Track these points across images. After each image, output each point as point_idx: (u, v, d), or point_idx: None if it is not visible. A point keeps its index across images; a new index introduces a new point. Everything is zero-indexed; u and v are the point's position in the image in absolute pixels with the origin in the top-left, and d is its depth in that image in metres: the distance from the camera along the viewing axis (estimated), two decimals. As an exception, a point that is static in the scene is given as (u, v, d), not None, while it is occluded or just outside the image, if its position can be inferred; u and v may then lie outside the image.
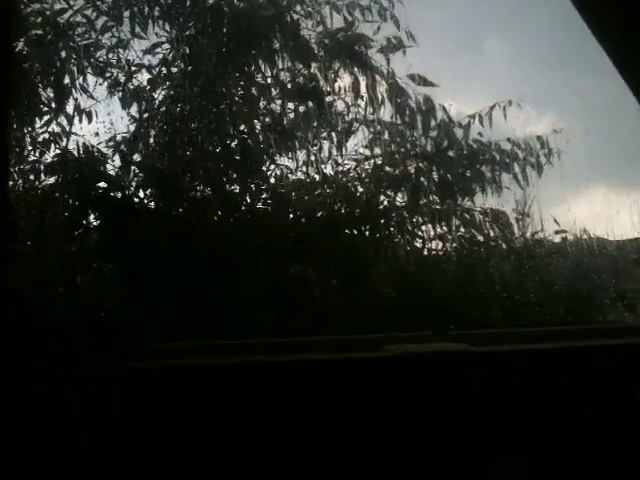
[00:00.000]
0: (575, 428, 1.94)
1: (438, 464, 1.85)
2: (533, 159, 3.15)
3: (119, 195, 2.62)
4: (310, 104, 2.98)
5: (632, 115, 2.71)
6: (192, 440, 1.68)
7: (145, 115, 2.84)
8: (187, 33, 2.90)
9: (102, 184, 2.61)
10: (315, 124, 2.97)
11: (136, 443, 1.64)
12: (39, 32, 2.77)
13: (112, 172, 2.71)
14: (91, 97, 2.84)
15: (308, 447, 1.75)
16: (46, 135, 2.78)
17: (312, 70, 3.00)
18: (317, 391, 1.80)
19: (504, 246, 3.16)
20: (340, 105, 3.11)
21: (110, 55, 2.87)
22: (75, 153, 2.75)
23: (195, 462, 1.69)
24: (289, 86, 2.97)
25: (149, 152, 2.79)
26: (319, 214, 2.91)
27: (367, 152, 3.15)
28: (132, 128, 2.81)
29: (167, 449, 1.67)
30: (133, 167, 2.74)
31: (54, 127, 2.80)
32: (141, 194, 2.70)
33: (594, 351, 2.08)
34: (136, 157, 2.78)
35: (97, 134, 2.75)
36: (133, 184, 2.71)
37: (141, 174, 2.72)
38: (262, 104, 3.01)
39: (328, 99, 3.04)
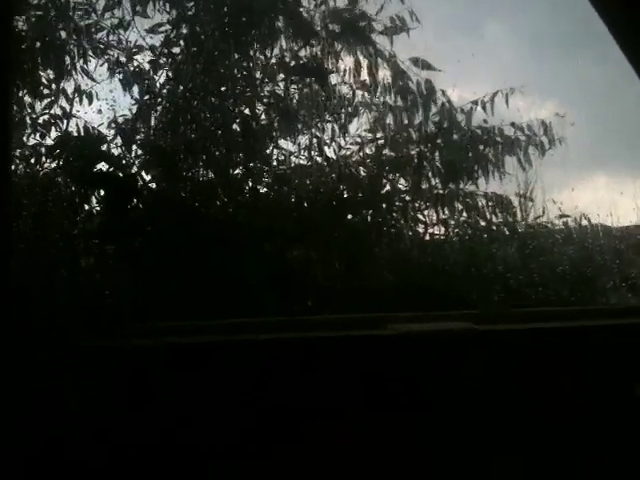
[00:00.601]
0: (577, 413, 1.95)
1: (437, 461, 1.86)
2: (537, 139, 3.13)
3: (121, 175, 2.61)
4: (313, 85, 2.96)
5: (636, 103, 2.71)
6: (192, 437, 1.69)
7: (146, 96, 2.82)
8: (189, 13, 2.88)
9: (104, 164, 2.60)
10: (318, 103, 2.94)
11: (135, 439, 1.64)
12: (39, 13, 2.75)
13: (114, 151, 2.70)
14: (92, 79, 2.82)
15: (307, 444, 1.75)
16: (46, 117, 2.77)
17: (314, 49, 2.98)
18: (322, 369, 1.80)
19: (506, 231, 3.15)
20: (344, 88, 3.09)
21: (111, 37, 2.85)
22: (76, 135, 2.74)
23: (194, 459, 1.69)
24: (292, 64, 2.94)
25: (151, 131, 2.77)
26: (321, 197, 2.90)
27: (369, 135, 3.14)
28: (134, 109, 2.80)
29: (166, 446, 1.68)
30: (135, 147, 2.73)
31: (55, 109, 2.79)
32: (144, 174, 2.69)
33: (595, 331, 2.09)
34: (138, 137, 2.77)
35: (100, 111, 2.74)
36: (136, 163, 2.70)
37: (144, 155, 2.71)
38: (264, 85, 2.99)
39: (331, 80, 3.02)
